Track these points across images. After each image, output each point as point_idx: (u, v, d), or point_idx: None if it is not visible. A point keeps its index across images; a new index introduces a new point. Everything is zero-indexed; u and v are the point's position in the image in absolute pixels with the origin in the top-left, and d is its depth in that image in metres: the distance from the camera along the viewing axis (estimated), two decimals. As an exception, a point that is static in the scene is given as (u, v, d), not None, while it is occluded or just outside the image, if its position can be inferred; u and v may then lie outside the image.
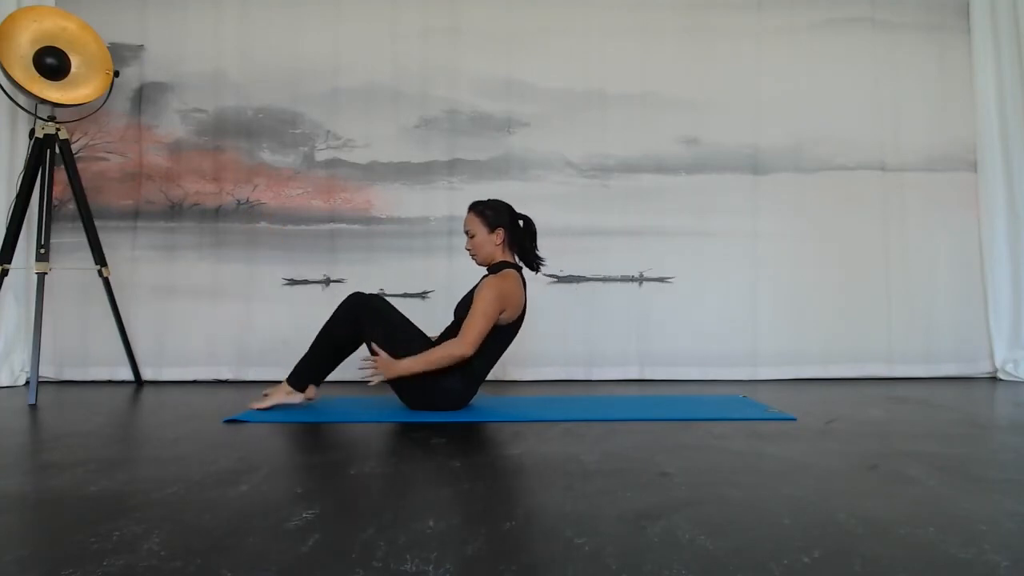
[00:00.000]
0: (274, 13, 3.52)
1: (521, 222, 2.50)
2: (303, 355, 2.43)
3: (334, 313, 2.40)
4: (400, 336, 2.37)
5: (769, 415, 2.32)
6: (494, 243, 2.43)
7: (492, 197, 2.52)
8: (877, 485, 1.45)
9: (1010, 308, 3.51)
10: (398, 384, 2.40)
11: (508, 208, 2.48)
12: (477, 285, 2.44)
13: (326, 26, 3.51)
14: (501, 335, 2.42)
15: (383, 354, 2.32)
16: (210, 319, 3.42)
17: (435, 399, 2.38)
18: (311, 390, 2.49)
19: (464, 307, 2.44)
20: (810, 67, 3.56)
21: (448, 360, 2.29)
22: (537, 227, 2.52)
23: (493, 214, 2.44)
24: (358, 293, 2.41)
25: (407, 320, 2.42)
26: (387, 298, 3.29)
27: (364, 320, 2.35)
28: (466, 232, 2.47)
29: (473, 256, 2.49)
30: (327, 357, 2.42)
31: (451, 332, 2.47)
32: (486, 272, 2.48)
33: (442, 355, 2.29)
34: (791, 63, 3.56)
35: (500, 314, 2.34)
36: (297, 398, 2.41)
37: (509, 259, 2.48)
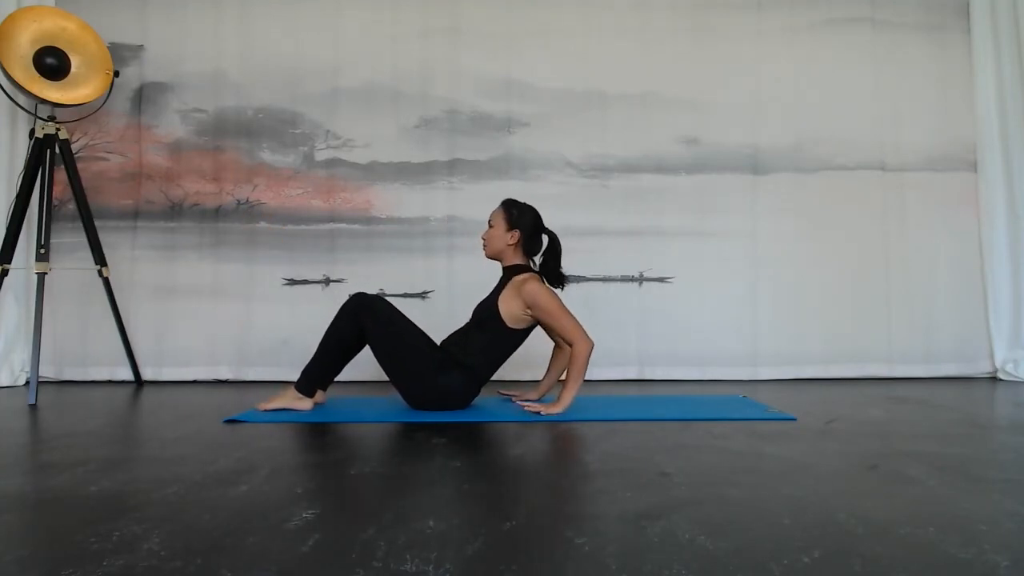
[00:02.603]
0: (274, 13, 3.52)
1: (546, 237, 2.50)
2: (310, 359, 2.41)
3: (337, 315, 2.39)
4: (401, 338, 2.36)
5: (769, 415, 2.32)
6: (506, 242, 2.44)
7: (528, 204, 2.51)
8: (877, 485, 1.45)
9: (1010, 308, 3.52)
10: (401, 383, 2.40)
11: (535, 217, 2.48)
12: (502, 289, 2.44)
13: (326, 26, 3.52)
14: (511, 337, 2.42)
15: (543, 405, 2.32)
16: (210, 319, 3.42)
17: (438, 399, 2.38)
18: (319, 395, 2.49)
19: (485, 308, 2.44)
20: (810, 67, 3.56)
21: (586, 360, 2.30)
22: None
23: (518, 215, 2.45)
24: (360, 294, 2.41)
25: (409, 321, 2.41)
26: (387, 298, 3.31)
27: (366, 321, 2.34)
28: (488, 221, 2.50)
29: (484, 246, 2.50)
30: (334, 360, 2.41)
31: (464, 332, 2.47)
32: (502, 275, 2.49)
33: (581, 362, 2.29)
34: (791, 63, 3.56)
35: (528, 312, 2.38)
36: (306, 404, 2.38)
37: (522, 262, 2.48)
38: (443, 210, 3.49)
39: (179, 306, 3.43)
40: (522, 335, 2.45)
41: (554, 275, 2.50)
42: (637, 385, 3.32)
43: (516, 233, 2.44)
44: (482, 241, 2.52)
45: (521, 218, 2.45)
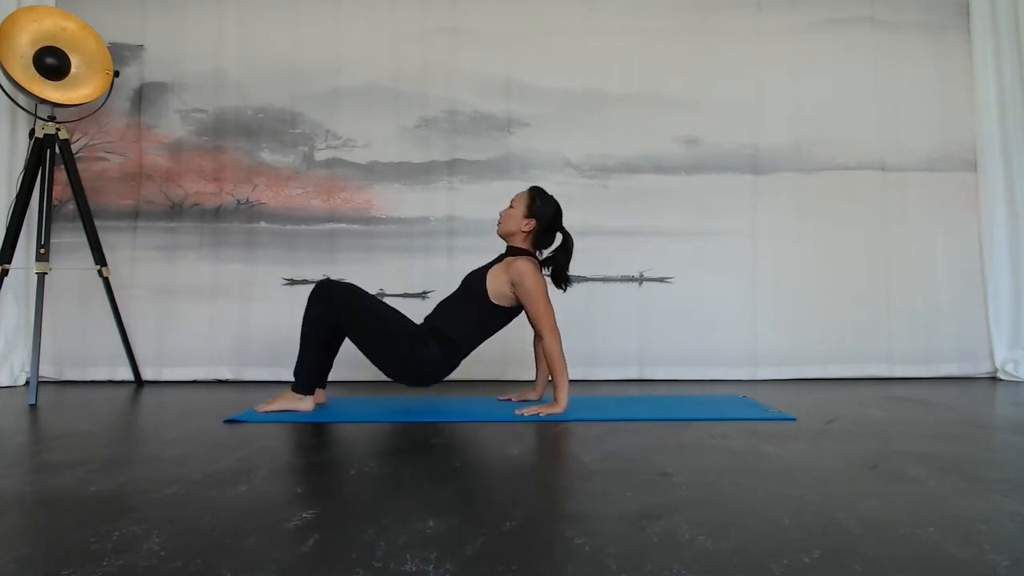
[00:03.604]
0: (274, 13, 3.52)
1: (560, 236, 2.49)
2: (296, 360, 2.39)
3: (306, 307, 2.36)
4: (371, 313, 2.36)
5: (769, 415, 2.32)
6: (521, 227, 2.43)
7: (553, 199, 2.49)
8: (877, 485, 1.45)
9: (1010, 308, 3.52)
10: (378, 357, 2.39)
11: (556, 212, 2.47)
12: (495, 263, 2.43)
13: (326, 26, 3.52)
14: (493, 314, 2.41)
15: (542, 407, 2.32)
16: (210, 319, 3.42)
17: (415, 370, 2.38)
18: (320, 394, 2.49)
19: (474, 277, 2.43)
20: (810, 67, 3.56)
21: (560, 353, 2.30)
22: None
23: (540, 205, 2.44)
24: (321, 281, 2.39)
25: (377, 299, 2.42)
26: (387, 298, 3.32)
27: (336, 307, 2.33)
28: (511, 201, 2.49)
29: (499, 223, 2.49)
30: (318, 353, 2.39)
31: (450, 300, 2.46)
32: (503, 252, 2.48)
33: (556, 356, 2.29)
34: (791, 63, 3.56)
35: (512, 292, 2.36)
36: (307, 404, 2.37)
37: (528, 249, 2.46)
38: (443, 210, 3.49)
39: (179, 306, 3.43)
40: (504, 314, 2.42)
41: (561, 275, 2.49)
42: (637, 385, 3.32)
43: (532, 222, 2.43)
44: (499, 216, 2.50)
45: (542, 209, 2.44)
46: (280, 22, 3.52)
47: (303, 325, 2.37)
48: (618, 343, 3.45)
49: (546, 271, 2.47)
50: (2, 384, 3.23)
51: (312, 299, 2.36)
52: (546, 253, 2.51)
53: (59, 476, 1.51)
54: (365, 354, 2.40)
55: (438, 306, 2.49)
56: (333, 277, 3.44)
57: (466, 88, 3.52)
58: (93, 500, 1.33)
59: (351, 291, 2.38)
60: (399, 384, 2.48)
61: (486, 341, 2.47)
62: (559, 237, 2.50)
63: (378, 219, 3.50)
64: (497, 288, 2.37)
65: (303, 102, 3.51)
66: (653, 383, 3.38)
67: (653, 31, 3.55)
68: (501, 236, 2.51)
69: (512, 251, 2.46)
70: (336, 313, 2.33)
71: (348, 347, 3.19)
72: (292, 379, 2.41)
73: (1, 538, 1.13)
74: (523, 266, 2.34)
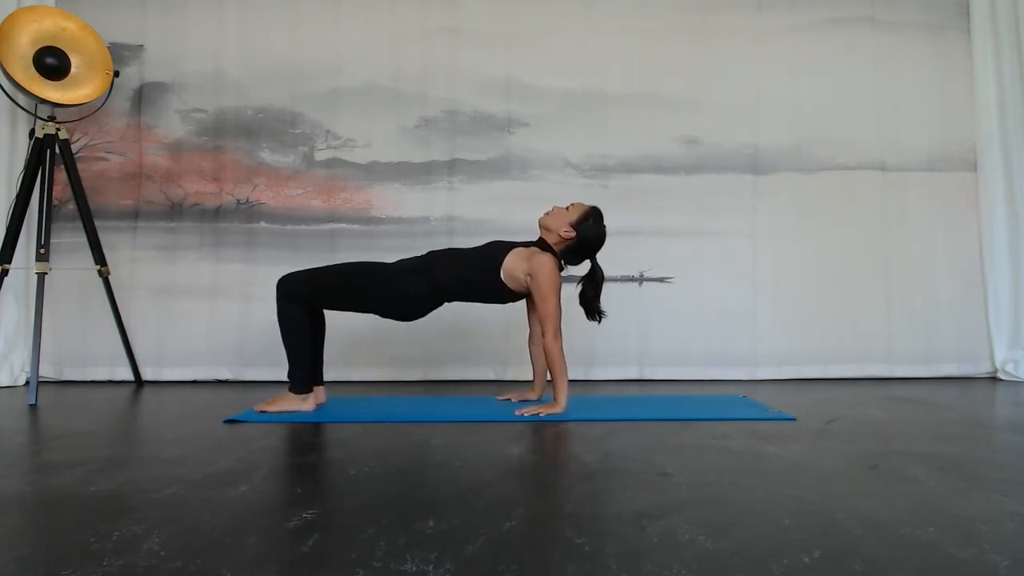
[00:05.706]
0: (274, 13, 3.52)
1: (589, 264, 2.47)
2: (288, 363, 2.39)
3: (277, 311, 2.36)
4: (333, 281, 2.37)
5: (769, 415, 2.32)
6: (561, 230, 2.40)
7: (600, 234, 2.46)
8: (877, 485, 1.45)
9: (1010, 308, 3.51)
10: (361, 306, 2.41)
11: (598, 240, 2.44)
12: (522, 246, 2.43)
13: (326, 26, 3.51)
14: (494, 287, 2.39)
15: (542, 407, 2.32)
16: (210, 319, 3.42)
17: (398, 303, 2.39)
18: (320, 393, 2.49)
19: (496, 247, 2.43)
20: (810, 67, 3.56)
21: (561, 354, 2.30)
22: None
23: (590, 225, 2.41)
24: (281, 280, 2.38)
25: (331, 266, 2.43)
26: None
27: (296, 297, 2.34)
28: (570, 204, 2.46)
29: (546, 213, 2.46)
30: (306, 350, 2.39)
31: (466, 255, 2.44)
32: (535, 240, 2.47)
33: (557, 356, 2.29)
34: (791, 63, 3.56)
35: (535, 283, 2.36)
36: (308, 404, 2.38)
37: (555, 252, 2.43)
38: (443, 210, 3.49)
39: (179, 306, 3.42)
40: (504, 292, 2.41)
41: (591, 306, 2.46)
42: (637, 385, 3.32)
43: (573, 233, 2.41)
44: (551, 207, 2.48)
45: (589, 229, 2.42)
46: (280, 22, 3.52)
47: (280, 328, 2.37)
48: (618, 343, 3.45)
49: (566, 277, 2.44)
50: (2, 384, 3.22)
51: (277, 302, 2.37)
52: (571, 271, 2.50)
53: (59, 476, 1.51)
54: (352, 311, 2.42)
55: (447, 250, 2.49)
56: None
57: (466, 88, 3.52)
58: (93, 500, 1.33)
59: (303, 275, 2.39)
60: (391, 320, 2.47)
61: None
62: (587, 266, 2.47)
63: (378, 219, 3.50)
64: (511, 270, 2.36)
65: (303, 102, 3.51)
66: (653, 383, 3.38)
67: (653, 31, 3.55)
68: (540, 225, 2.47)
69: (542, 244, 2.45)
70: (299, 301, 2.35)
71: (346, 349, 3.20)
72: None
73: (1, 538, 1.13)
74: (545, 261, 2.34)
